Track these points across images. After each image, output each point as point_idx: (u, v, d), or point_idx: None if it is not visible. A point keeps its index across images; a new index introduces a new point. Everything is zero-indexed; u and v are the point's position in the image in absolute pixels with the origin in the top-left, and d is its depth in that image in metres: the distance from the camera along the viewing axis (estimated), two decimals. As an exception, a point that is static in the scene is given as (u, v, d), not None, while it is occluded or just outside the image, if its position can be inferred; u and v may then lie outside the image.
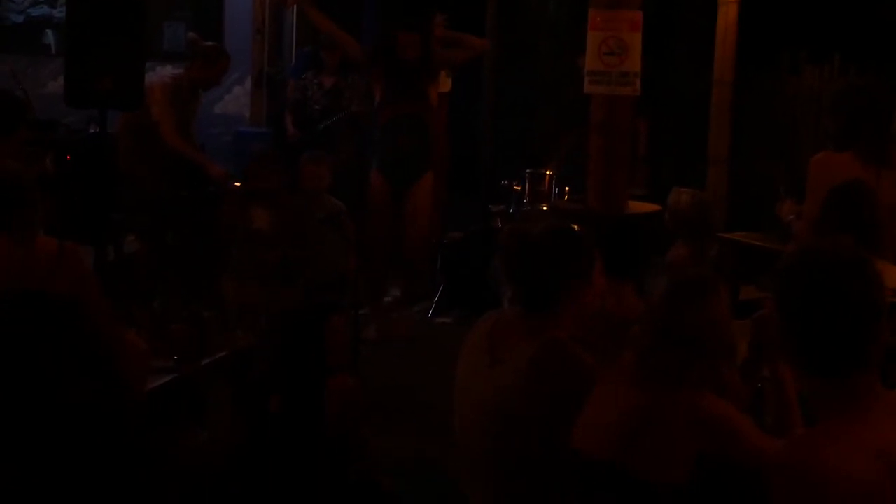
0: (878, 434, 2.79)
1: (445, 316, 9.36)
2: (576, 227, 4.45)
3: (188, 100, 9.19)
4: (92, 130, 9.34)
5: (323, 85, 11.23)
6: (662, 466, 3.65)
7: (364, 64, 9.51)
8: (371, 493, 5.93)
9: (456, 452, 4.36)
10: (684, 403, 3.63)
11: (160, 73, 10.63)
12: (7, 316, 4.74)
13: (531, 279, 4.18)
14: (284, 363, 5.76)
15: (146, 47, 8.28)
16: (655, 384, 3.68)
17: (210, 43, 9.68)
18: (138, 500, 4.56)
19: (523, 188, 9.12)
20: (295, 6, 9.75)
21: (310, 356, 5.85)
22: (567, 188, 9.15)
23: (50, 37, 14.90)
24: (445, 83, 10.49)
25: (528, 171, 9.17)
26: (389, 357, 8.65)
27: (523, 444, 4.05)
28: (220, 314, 7.39)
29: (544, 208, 8.88)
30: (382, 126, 9.23)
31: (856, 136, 6.09)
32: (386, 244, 9.21)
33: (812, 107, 11.08)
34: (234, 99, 13.69)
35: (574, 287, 4.16)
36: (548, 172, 9.16)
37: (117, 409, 5.03)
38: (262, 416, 5.84)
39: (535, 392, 3.99)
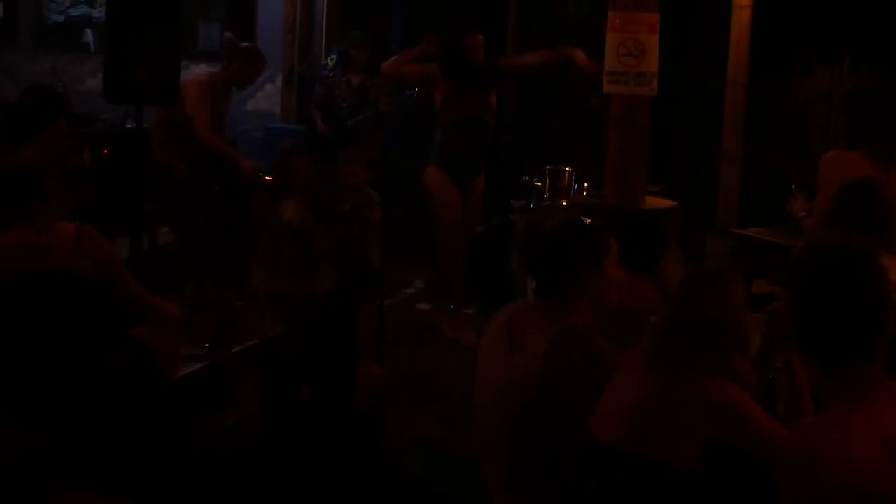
0: (884, 422, 2.87)
1: (467, 307, 9.47)
2: (587, 220, 4.56)
3: (222, 98, 9.41)
4: (128, 125, 9.53)
5: (351, 83, 11.25)
6: (675, 451, 3.73)
7: (430, 77, 9.47)
8: (394, 473, 5.92)
9: (475, 435, 4.49)
10: (697, 389, 3.71)
11: (195, 72, 10.81)
12: (34, 297, 5.06)
13: (544, 268, 4.38)
14: (313, 351, 5.87)
15: (181, 45, 8.47)
16: (669, 371, 3.77)
17: (247, 44, 9.86)
18: (166, 474, 4.84)
19: (544, 184, 9.19)
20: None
21: (339, 344, 5.95)
22: (586, 184, 9.28)
23: (89, 35, 15.10)
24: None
25: (548, 167, 9.27)
26: (412, 345, 8.79)
27: (539, 427, 4.16)
28: (250, 303, 7.57)
29: (564, 203, 8.99)
30: (446, 126, 9.26)
31: (865, 136, 6.16)
32: (459, 241, 9.30)
33: (823, 107, 11.16)
34: (266, 96, 13.84)
35: (585, 277, 4.30)
36: (567, 169, 9.28)
37: (144, 380, 5.31)
38: (290, 403, 5.94)
39: (551, 378, 4.11)
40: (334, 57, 12.13)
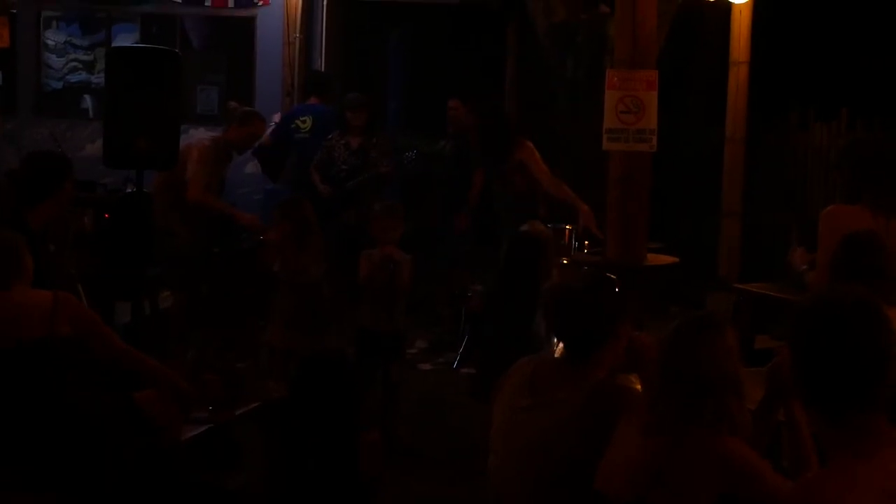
0: (886, 473, 2.89)
1: (470, 366, 9.45)
2: (610, 276, 4.61)
3: (223, 162, 9.48)
4: (129, 190, 9.58)
5: (350, 145, 11.20)
6: (689, 505, 3.72)
7: None
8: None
9: (492, 490, 4.45)
10: (704, 445, 3.69)
11: (196, 136, 10.89)
12: (18, 364, 5.07)
13: (578, 330, 4.37)
14: (317, 412, 5.84)
15: (181, 110, 8.51)
16: (670, 426, 3.74)
17: (247, 108, 9.96)
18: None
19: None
20: None
21: (344, 407, 5.92)
22: (587, 242, 9.29)
23: (88, 101, 15.18)
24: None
25: (548, 225, 9.27)
26: (417, 406, 8.76)
27: (568, 484, 4.13)
28: (253, 364, 7.57)
29: (564, 262, 8.99)
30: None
31: (863, 189, 6.19)
32: None
33: (821, 161, 11.24)
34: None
35: (613, 332, 4.34)
36: (567, 227, 9.29)
37: (135, 441, 5.30)
38: (295, 467, 5.91)
39: (590, 434, 4.08)
40: (307, 119, 12.17)
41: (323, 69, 14.39)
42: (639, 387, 4.48)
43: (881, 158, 6.40)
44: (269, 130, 11.51)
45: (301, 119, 12.05)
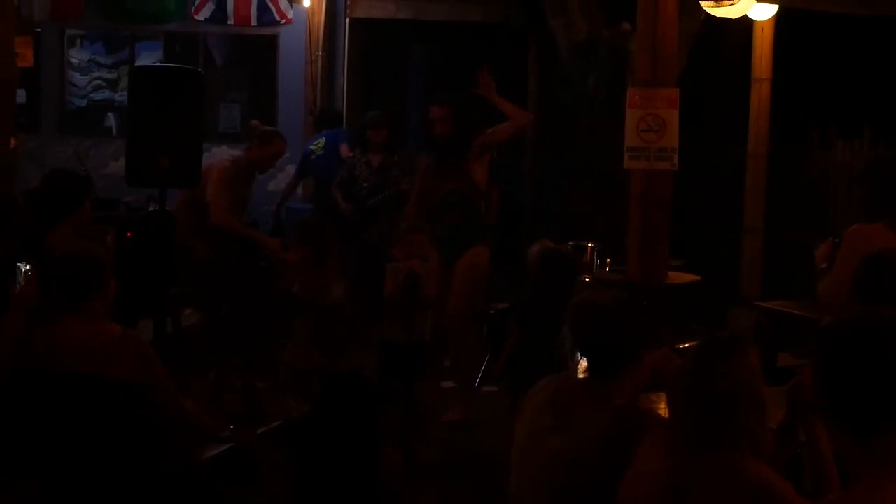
0: None
1: (492, 385, 9.43)
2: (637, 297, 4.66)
3: (246, 181, 9.51)
4: (151, 208, 9.60)
5: (371, 163, 11.33)
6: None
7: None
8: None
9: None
10: (726, 466, 3.66)
11: (219, 155, 10.93)
12: (68, 396, 5.01)
13: (603, 347, 4.37)
14: (339, 431, 5.84)
15: (204, 128, 8.54)
16: (693, 446, 3.71)
17: (268, 127, 9.99)
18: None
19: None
20: None
21: (365, 425, 5.91)
22: (609, 259, 9.28)
23: (111, 119, 15.27)
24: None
25: (570, 243, 9.26)
26: (438, 425, 8.74)
27: None
28: (274, 383, 7.57)
29: (586, 279, 8.98)
30: (433, 204, 9.10)
31: (883, 207, 6.12)
32: (439, 317, 8.82)
33: (843, 179, 11.22)
34: (287, 176, 13.91)
35: (638, 355, 4.35)
36: (589, 245, 9.28)
37: (170, 482, 5.28)
38: (317, 485, 5.91)
39: (611, 458, 4.06)
40: (320, 140, 12.22)
41: (345, 87, 14.46)
42: (663, 406, 4.47)
43: None
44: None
45: (314, 143, 12.19)
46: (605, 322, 4.38)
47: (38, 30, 14.72)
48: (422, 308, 7.99)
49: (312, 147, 12.22)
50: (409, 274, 7.91)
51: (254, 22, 14.53)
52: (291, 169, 13.88)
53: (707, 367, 3.79)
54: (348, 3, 14.75)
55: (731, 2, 9.19)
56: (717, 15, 9.29)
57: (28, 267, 5.72)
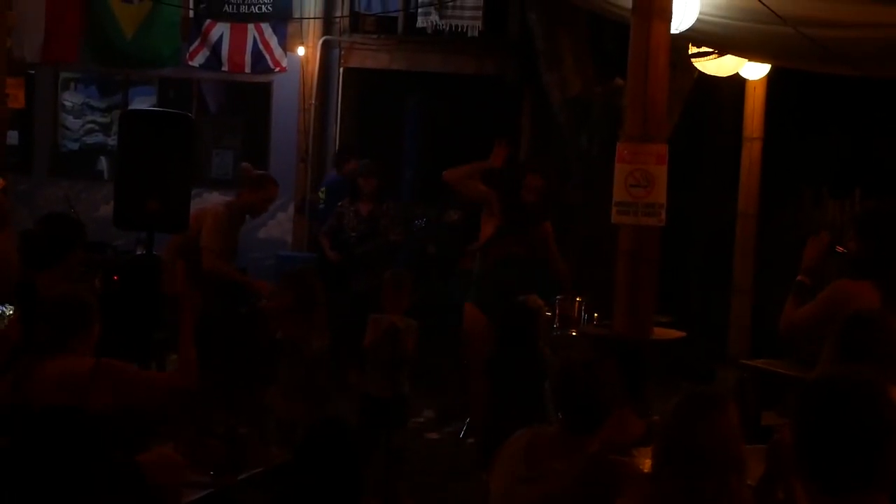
0: None
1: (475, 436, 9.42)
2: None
3: (237, 226, 9.52)
4: (139, 252, 9.60)
5: (360, 212, 11.37)
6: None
7: (486, 201, 9.45)
8: None
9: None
10: None
11: (209, 200, 10.93)
12: (42, 432, 5.03)
13: (581, 407, 4.44)
14: (321, 479, 5.82)
15: (195, 173, 8.55)
16: (672, 502, 3.71)
17: (260, 172, 10.00)
18: None
19: (553, 313, 9.20)
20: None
21: (347, 474, 5.89)
22: (596, 314, 9.27)
23: (103, 163, 15.28)
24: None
25: (557, 297, 9.27)
26: (422, 475, 8.73)
27: None
28: (256, 430, 7.54)
29: (573, 333, 8.98)
30: (489, 264, 9.29)
31: (875, 264, 6.09)
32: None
33: (834, 239, 11.21)
34: (278, 224, 13.96)
35: (609, 411, 4.44)
36: (577, 299, 9.28)
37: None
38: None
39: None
40: (323, 189, 12.25)
41: (337, 137, 14.48)
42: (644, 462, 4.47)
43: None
44: None
45: (321, 191, 12.25)
46: (583, 385, 4.43)
47: (32, 72, 14.77)
48: (402, 362, 7.98)
49: (319, 195, 12.27)
50: (391, 328, 7.91)
51: (248, 69, 14.56)
52: (282, 216, 13.92)
53: (686, 424, 3.79)
54: (342, 52, 14.81)
55: (711, 56, 9.23)
56: (708, 72, 9.33)
57: (11, 310, 5.72)
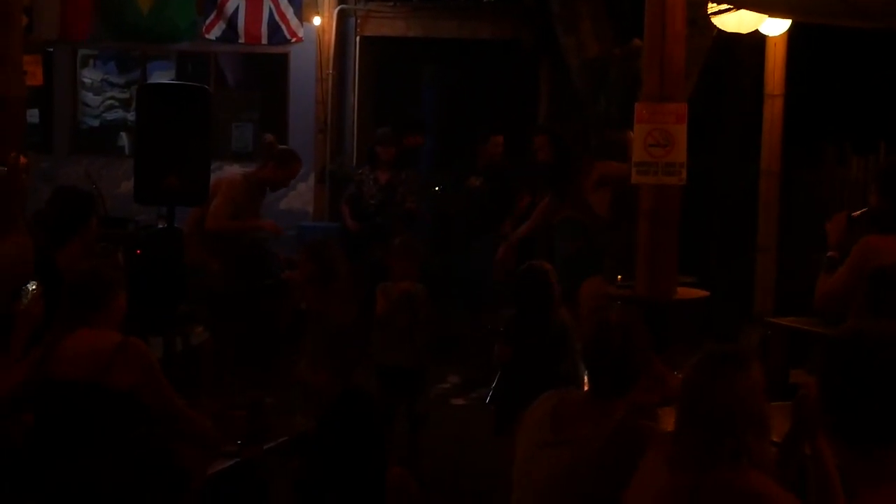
0: None
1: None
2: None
3: (255, 198, 9.52)
4: (160, 226, 9.61)
5: (378, 180, 11.37)
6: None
7: None
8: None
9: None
10: (727, 481, 3.64)
11: (229, 173, 10.94)
12: (66, 407, 5.05)
13: (613, 371, 4.41)
14: (345, 448, 5.83)
15: (212, 146, 8.54)
16: (692, 463, 3.70)
17: (285, 147, 9.99)
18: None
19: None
20: None
21: (371, 443, 5.89)
22: (619, 276, 9.23)
23: (124, 139, 15.31)
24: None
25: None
26: (448, 441, 8.76)
27: None
28: (282, 400, 7.55)
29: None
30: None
31: None
32: None
33: (858, 196, 11.15)
34: (299, 195, 13.97)
35: (640, 375, 4.41)
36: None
37: (168, 494, 5.28)
38: (322, 501, 5.90)
39: (613, 472, 4.09)
40: None
41: (355, 105, 14.47)
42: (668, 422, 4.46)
43: None
44: None
45: None
46: (614, 349, 4.40)
47: (51, 49, 14.78)
48: (418, 329, 7.97)
49: None
50: (404, 295, 7.90)
51: (264, 41, 14.55)
52: (303, 187, 13.92)
53: (704, 383, 3.79)
54: (358, 21, 14.78)
55: (730, 10, 9.14)
56: (727, 30, 9.25)
57: (34, 286, 5.72)
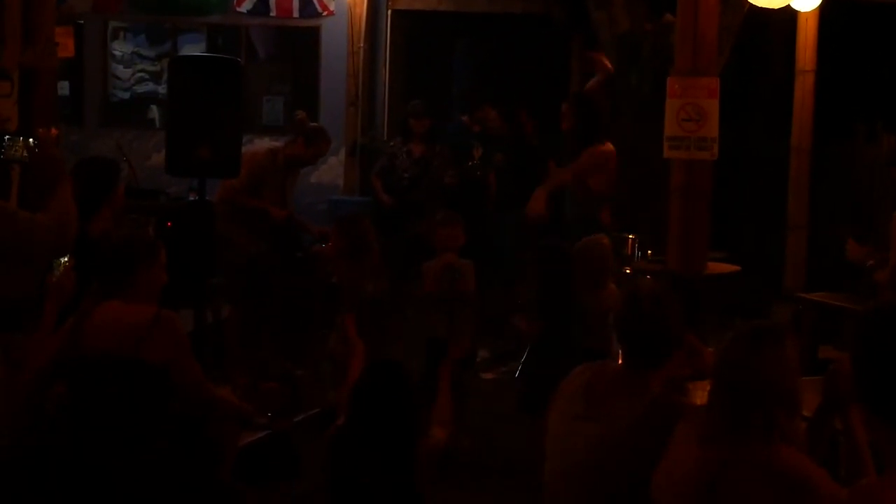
0: None
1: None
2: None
3: (283, 172, 9.52)
4: (192, 198, 9.63)
5: (412, 153, 11.34)
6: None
7: None
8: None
9: (546, 501, 4.43)
10: (758, 456, 3.65)
11: (258, 145, 10.96)
12: (101, 380, 5.04)
13: (646, 343, 4.36)
14: (377, 420, 5.85)
15: (243, 118, 8.55)
16: (723, 437, 3.73)
17: (316, 125, 9.99)
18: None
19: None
20: None
21: (404, 416, 5.91)
22: (650, 252, 9.23)
23: (154, 111, 15.34)
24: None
25: (612, 234, 9.23)
26: (476, 415, 8.77)
27: (622, 495, 4.13)
28: (313, 373, 7.59)
29: (627, 271, 8.94)
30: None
31: None
32: None
33: (889, 174, 11.13)
34: (329, 169, 13.97)
35: (675, 344, 4.36)
36: (630, 236, 9.24)
37: (201, 468, 5.29)
38: (353, 475, 5.92)
39: (647, 447, 4.06)
40: None
41: (387, 79, 14.46)
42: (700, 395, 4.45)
43: None
44: None
45: None
46: (649, 319, 4.35)
47: (81, 22, 14.80)
48: (462, 302, 7.97)
49: None
50: (447, 268, 7.91)
51: (296, 14, 14.56)
52: (333, 161, 13.92)
53: (737, 357, 3.80)
54: (390, -6, 14.78)
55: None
56: (760, 4, 9.21)
57: (66, 259, 5.73)
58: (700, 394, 4.85)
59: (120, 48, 15.73)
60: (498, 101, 12.54)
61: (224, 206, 9.16)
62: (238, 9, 14.69)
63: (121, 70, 15.67)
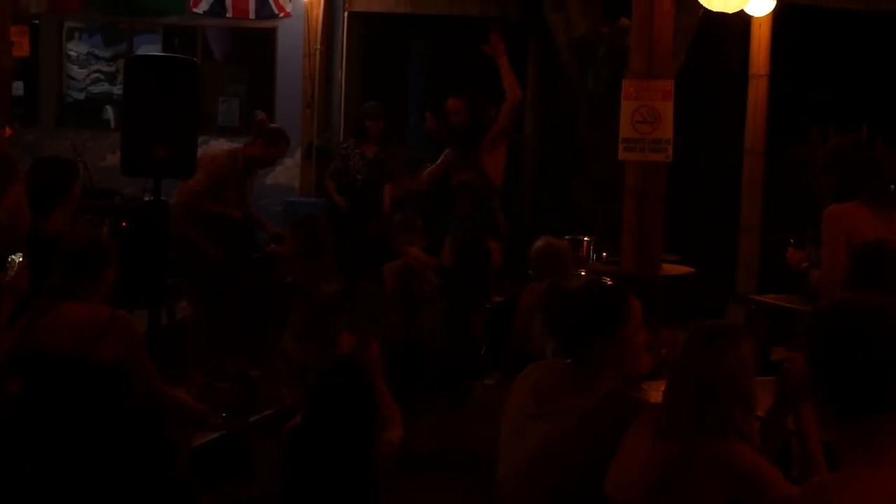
0: (895, 480, 2.84)
1: (488, 378, 9.42)
2: (609, 282, 4.64)
3: (241, 173, 9.51)
4: (147, 199, 9.61)
5: (365, 155, 11.27)
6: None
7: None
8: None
9: (502, 501, 4.43)
10: (712, 452, 3.72)
11: (215, 147, 10.93)
12: (50, 379, 5.03)
13: (562, 329, 4.39)
14: (333, 419, 5.85)
15: (199, 119, 8.53)
16: (680, 433, 3.78)
17: (275, 126, 10.00)
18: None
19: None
20: None
21: (359, 414, 5.91)
22: (605, 254, 9.28)
23: (110, 112, 15.26)
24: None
25: (566, 237, 9.26)
26: (435, 417, 8.77)
27: (575, 492, 4.13)
28: (267, 373, 7.57)
29: (582, 273, 8.98)
30: (450, 195, 9.42)
31: (857, 188, 6.32)
32: None
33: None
34: (285, 170, 13.95)
35: (609, 340, 4.28)
36: (586, 238, 9.29)
37: (158, 466, 5.28)
38: (309, 474, 5.91)
39: (599, 444, 4.07)
40: None
41: (343, 81, 14.45)
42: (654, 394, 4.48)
43: (869, 157, 6.58)
44: None
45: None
46: (565, 305, 4.40)
47: (37, 22, 14.72)
48: (420, 302, 7.99)
49: None
50: (403, 269, 7.93)
51: (252, 15, 14.52)
52: (290, 162, 13.90)
53: (694, 354, 3.86)
54: (347, -4, 14.77)
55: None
56: (714, 9, 9.27)
57: (20, 257, 5.71)
58: (655, 394, 4.88)
59: (75, 48, 15.64)
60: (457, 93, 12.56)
61: (183, 208, 9.14)
62: (194, 9, 14.64)
63: (76, 70, 15.58)
